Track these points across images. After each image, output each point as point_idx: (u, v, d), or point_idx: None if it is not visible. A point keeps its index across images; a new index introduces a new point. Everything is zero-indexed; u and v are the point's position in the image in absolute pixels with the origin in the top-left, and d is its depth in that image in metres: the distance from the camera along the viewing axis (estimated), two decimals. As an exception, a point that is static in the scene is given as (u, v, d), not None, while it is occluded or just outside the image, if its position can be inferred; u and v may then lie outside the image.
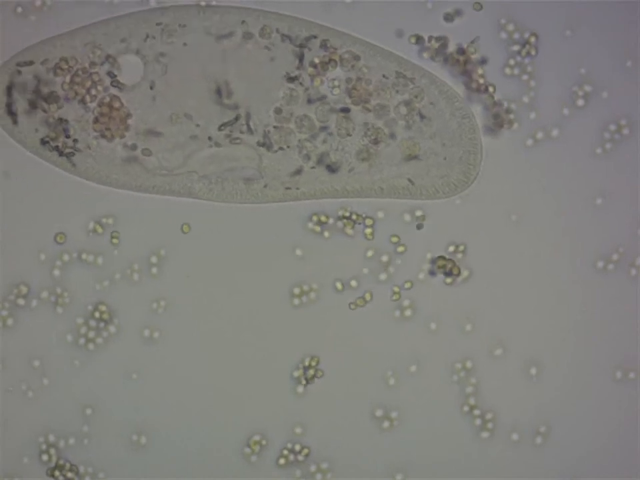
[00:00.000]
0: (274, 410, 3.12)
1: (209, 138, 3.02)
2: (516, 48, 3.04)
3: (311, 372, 3.10)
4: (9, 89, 3.03)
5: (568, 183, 3.09)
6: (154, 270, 3.10)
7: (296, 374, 3.11)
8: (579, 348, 3.12)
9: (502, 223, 3.10)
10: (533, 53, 3.04)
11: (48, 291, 3.10)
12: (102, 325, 3.11)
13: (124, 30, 3.01)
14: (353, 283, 3.09)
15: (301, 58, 3.00)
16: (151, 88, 3.00)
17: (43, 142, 3.04)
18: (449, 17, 3.04)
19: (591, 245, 3.10)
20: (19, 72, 3.02)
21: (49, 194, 3.10)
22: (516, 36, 3.04)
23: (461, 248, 3.08)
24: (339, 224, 3.08)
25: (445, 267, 3.07)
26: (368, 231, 3.08)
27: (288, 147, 3.02)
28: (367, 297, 3.10)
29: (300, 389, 3.11)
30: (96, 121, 3.02)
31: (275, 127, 3.01)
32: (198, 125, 3.00)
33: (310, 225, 3.09)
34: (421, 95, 3.02)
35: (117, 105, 3.02)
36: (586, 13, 3.06)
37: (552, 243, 3.10)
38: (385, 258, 3.09)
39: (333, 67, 3.01)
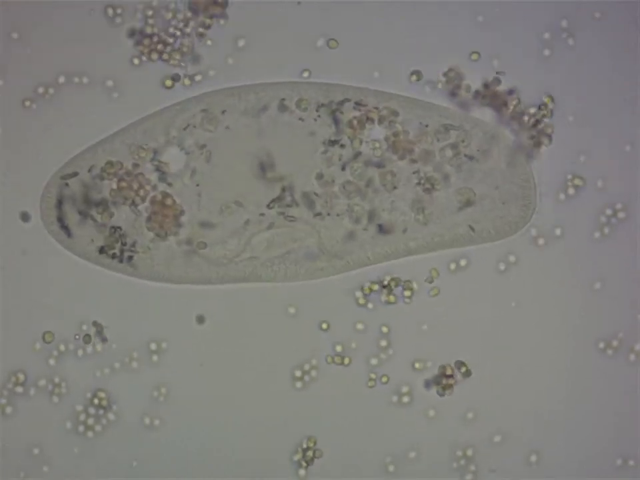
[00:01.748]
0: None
1: (263, 219, 3.02)
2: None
3: (310, 454, 3.09)
4: (59, 203, 3.03)
5: (567, 268, 3.09)
6: (154, 357, 3.10)
7: (296, 457, 3.11)
8: (579, 435, 3.11)
9: (502, 309, 3.10)
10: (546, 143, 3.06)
11: (46, 379, 3.10)
12: (101, 412, 3.11)
13: (162, 125, 3.02)
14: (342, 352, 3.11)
15: (336, 122, 3.01)
16: (197, 185, 3.00)
17: (101, 251, 3.04)
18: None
19: (590, 330, 3.10)
20: (66, 184, 3.03)
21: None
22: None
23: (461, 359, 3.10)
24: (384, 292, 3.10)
25: (440, 383, 3.09)
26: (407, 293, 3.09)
27: (337, 214, 3.02)
28: (346, 361, 3.11)
29: (302, 472, 3.11)
30: (149, 219, 3.02)
31: (315, 193, 3.01)
32: (248, 209, 3.01)
33: (358, 294, 3.09)
34: (468, 140, 3.02)
35: (169, 202, 3.02)
36: (588, 100, 3.09)
37: (551, 329, 3.10)
38: (383, 343, 3.11)
39: (370, 124, 3.01)
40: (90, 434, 3.12)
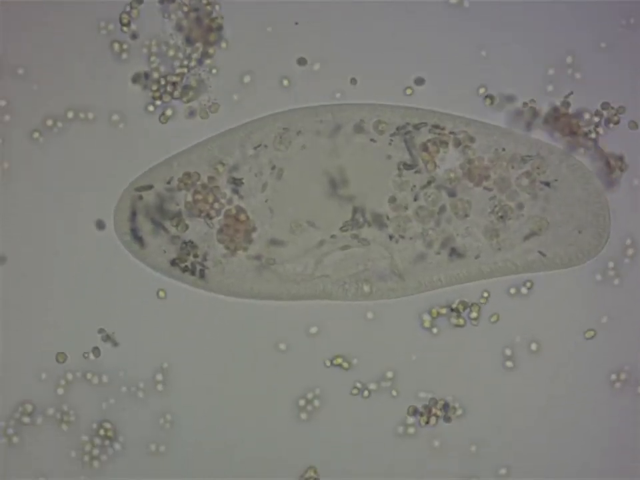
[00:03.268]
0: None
1: (336, 241, 3.03)
2: None
3: None
4: (133, 215, 3.06)
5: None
6: (159, 387, 3.13)
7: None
8: (585, 467, 3.11)
9: (520, 352, 3.12)
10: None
11: (54, 408, 3.12)
12: (107, 442, 3.13)
13: (236, 141, 3.05)
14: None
15: (409, 146, 3.02)
16: (266, 200, 3.02)
17: (173, 263, 3.06)
18: None
19: (597, 364, 3.11)
20: (140, 197, 3.05)
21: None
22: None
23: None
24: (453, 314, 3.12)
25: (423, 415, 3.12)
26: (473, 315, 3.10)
27: (410, 238, 3.04)
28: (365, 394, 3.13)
29: None
30: (220, 232, 3.04)
31: (387, 217, 3.03)
32: (321, 230, 3.03)
33: (426, 317, 3.11)
34: (544, 167, 3.03)
35: (242, 217, 3.04)
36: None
37: (562, 359, 3.13)
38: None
39: (444, 148, 3.02)
40: (95, 464, 3.14)
